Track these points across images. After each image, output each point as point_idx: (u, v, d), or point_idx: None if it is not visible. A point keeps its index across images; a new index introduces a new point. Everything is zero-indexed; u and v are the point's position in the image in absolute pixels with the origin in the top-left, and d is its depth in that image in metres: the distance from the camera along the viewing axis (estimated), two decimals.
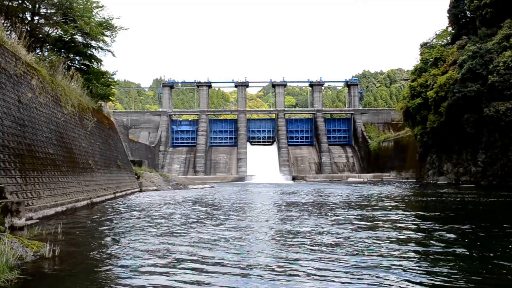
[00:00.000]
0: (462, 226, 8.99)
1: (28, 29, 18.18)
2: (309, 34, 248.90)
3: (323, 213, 11.81)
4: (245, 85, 66.03)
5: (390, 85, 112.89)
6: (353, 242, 7.11)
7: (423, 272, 5.14)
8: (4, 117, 9.75)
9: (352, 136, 64.12)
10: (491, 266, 5.47)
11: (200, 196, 20.68)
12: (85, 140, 16.80)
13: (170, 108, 65.66)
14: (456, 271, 5.18)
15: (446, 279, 4.80)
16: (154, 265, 5.54)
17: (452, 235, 7.79)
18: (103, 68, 23.39)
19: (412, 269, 5.26)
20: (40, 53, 19.53)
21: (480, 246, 6.85)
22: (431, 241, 7.18)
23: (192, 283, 4.73)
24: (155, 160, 58.16)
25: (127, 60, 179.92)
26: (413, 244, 7.01)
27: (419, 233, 8.20)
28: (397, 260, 5.73)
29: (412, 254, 6.22)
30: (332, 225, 9.28)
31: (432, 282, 4.71)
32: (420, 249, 6.63)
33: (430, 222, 9.61)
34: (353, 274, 5.00)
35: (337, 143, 64.06)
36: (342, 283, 4.65)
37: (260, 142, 65.38)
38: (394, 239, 7.42)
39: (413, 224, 9.61)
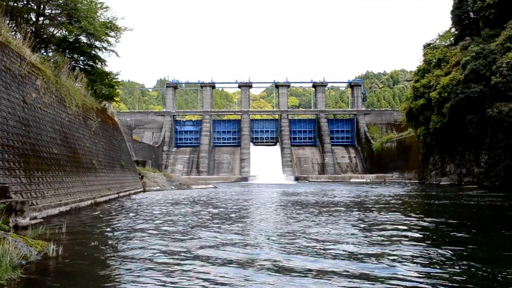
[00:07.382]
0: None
1: (33, 29, 18.30)
2: (312, 35, 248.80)
3: (327, 214, 11.82)
4: (248, 85, 66.07)
5: (393, 86, 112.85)
6: (360, 245, 7.13)
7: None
8: (9, 117, 9.85)
9: (355, 137, 64.00)
10: None
11: (203, 196, 20.73)
12: (89, 140, 16.90)
13: (174, 109, 65.79)
14: None
15: None
16: (158, 266, 5.59)
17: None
18: (107, 69, 23.52)
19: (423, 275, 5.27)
20: (44, 53, 19.66)
21: None
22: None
23: (195, 284, 4.78)
24: (159, 160, 58.29)
25: (131, 61, 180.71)
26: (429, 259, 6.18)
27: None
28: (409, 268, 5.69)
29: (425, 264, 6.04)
30: (338, 226, 9.30)
31: None
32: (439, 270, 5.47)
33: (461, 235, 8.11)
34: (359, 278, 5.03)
35: (340, 143, 63.97)
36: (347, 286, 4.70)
37: (263, 142, 65.38)
38: (414, 247, 7.29)
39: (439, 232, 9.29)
